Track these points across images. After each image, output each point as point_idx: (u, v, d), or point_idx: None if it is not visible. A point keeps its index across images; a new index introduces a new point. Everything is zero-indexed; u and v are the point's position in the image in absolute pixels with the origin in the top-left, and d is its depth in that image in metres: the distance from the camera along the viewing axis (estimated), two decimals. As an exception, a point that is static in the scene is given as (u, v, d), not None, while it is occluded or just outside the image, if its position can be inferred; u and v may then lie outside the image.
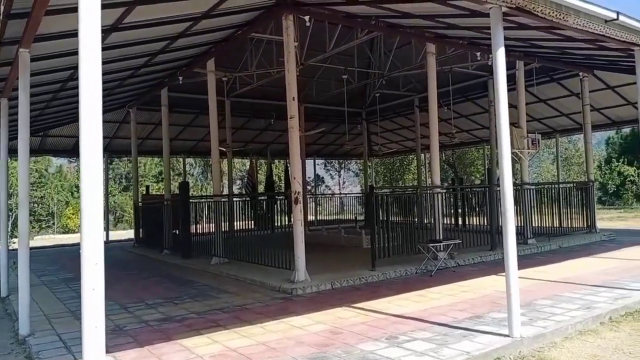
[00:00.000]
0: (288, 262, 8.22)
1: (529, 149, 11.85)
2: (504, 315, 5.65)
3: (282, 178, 22.65)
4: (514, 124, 12.08)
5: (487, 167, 16.34)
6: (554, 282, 7.70)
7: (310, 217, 22.26)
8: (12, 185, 28.84)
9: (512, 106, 17.67)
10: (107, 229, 19.29)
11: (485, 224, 11.42)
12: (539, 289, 7.24)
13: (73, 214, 30.09)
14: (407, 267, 8.91)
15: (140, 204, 15.70)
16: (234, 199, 11.37)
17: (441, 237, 9.63)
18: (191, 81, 13.76)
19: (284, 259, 8.34)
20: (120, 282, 9.24)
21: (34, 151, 17.88)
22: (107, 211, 19.52)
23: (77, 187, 32.66)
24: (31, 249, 16.79)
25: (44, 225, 30.82)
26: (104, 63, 7.86)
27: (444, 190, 12.21)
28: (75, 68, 8.17)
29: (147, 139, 18.54)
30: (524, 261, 9.97)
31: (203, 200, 11.97)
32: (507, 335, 4.90)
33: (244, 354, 4.66)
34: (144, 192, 16.34)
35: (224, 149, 14.38)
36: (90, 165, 3.01)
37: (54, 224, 31.88)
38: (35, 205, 30.74)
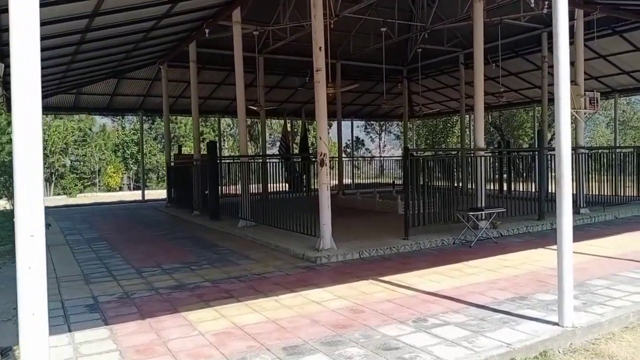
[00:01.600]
0: (314, 228, 7.65)
1: (586, 108, 10.68)
2: (553, 298, 4.93)
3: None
4: (571, 81, 10.90)
5: (537, 129, 15.09)
6: (611, 259, 6.83)
7: (347, 181, 21.65)
8: (52, 142, 29.44)
9: (571, 63, 16.27)
10: (143, 187, 19.33)
11: (533, 190, 10.50)
12: (593, 266, 6.40)
13: (114, 173, 30.59)
14: (443, 237, 8.20)
15: (172, 163, 15.45)
16: (262, 160, 10.82)
17: (483, 205, 8.81)
18: (223, 36, 13.13)
19: (311, 225, 7.76)
20: (144, 244, 8.96)
21: (68, 109, 17.85)
22: (144, 170, 19.44)
23: (120, 145, 33.10)
24: (69, 206, 17.06)
25: (86, 183, 31.49)
26: (119, 11, 7.25)
27: (489, 154, 11.28)
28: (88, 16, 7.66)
29: (181, 97, 18.16)
30: (576, 233, 8.95)
31: (231, 161, 11.44)
32: (557, 324, 4.18)
33: (249, 334, 4.15)
34: (177, 152, 16.04)
35: (255, 108, 13.79)
36: (24, 108, 2.38)
37: (98, 182, 32.57)
38: (78, 163, 31.38)
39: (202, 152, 13.79)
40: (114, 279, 6.30)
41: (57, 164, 29.52)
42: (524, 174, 13.88)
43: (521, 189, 11.29)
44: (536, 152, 10.01)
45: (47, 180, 28.89)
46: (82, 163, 31.87)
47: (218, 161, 11.15)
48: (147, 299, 5.38)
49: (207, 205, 11.67)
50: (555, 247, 7.82)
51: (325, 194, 7.22)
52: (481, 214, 8.31)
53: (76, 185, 29.65)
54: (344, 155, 32.59)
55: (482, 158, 9.07)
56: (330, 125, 36.74)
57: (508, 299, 5.01)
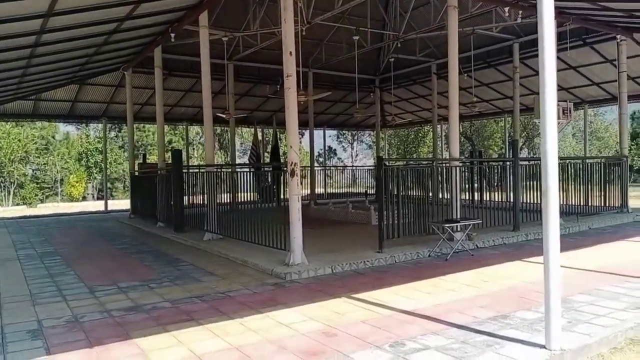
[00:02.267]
0: (284, 241, 7.23)
1: (559, 118, 10.59)
2: (536, 316, 4.66)
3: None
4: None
5: (508, 139, 15.05)
6: (591, 272, 6.62)
7: (320, 190, 21.30)
8: (11, 150, 28.18)
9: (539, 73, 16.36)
10: (105, 198, 18.55)
11: (506, 200, 10.33)
12: (574, 280, 6.16)
13: (77, 182, 29.50)
14: (419, 249, 7.89)
15: (136, 173, 14.81)
16: (227, 169, 10.33)
17: (458, 216, 8.56)
18: (190, 42, 12.68)
19: (280, 238, 7.34)
20: (101, 259, 8.37)
21: (27, 115, 17.00)
22: (106, 180, 18.65)
23: (84, 154, 32.01)
24: (26, 217, 16.17)
25: (48, 193, 30.28)
26: (77, 11, 6.73)
27: (463, 163, 11.11)
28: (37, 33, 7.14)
29: (147, 104, 17.54)
30: (551, 244, 8.90)
31: (197, 170, 10.91)
32: (544, 346, 3.88)
33: (209, 364, 3.71)
34: (141, 161, 15.40)
35: (224, 116, 13.32)
36: None
37: (60, 191, 31.37)
38: (39, 172, 30.17)
39: (168, 161, 13.25)
40: (63, 300, 5.75)
41: (16, 173, 28.28)
42: (498, 184, 13.76)
43: (494, 199, 11.11)
44: (511, 162, 9.83)
45: (5, 189, 27.70)
46: (43, 172, 30.66)
47: (183, 170, 10.60)
48: (97, 323, 4.86)
49: (172, 217, 11.12)
50: (533, 259, 7.68)
51: (296, 205, 6.82)
52: (457, 225, 8.05)
53: (36, 195, 28.47)
54: (316, 164, 32.32)
55: (457, 168, 8.83)
56: (302, 135, 36.49)
57: (490, 318, 4.70)
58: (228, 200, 9.95)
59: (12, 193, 28.21)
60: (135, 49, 12.24)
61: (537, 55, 13.72)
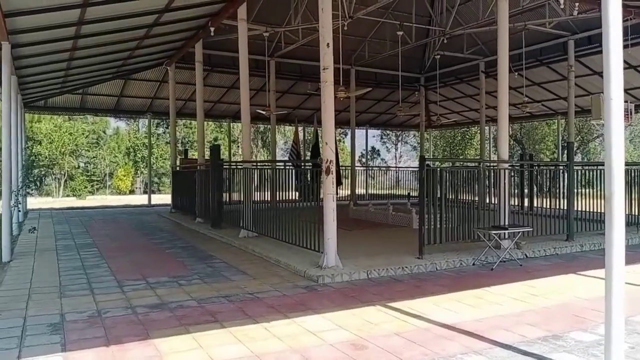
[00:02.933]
0: (319, 242, 6.91)
1: (619, 121, 9.80)
2: (593, 339, 4.16)
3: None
4: (600, 92, 10.09)
5: (565, 141, 14.18)
6: (654, 289, 5.98)
7: (361, 191, 20.90)
8: (62, 144, 29.13)
9: (596, 73, 15.39)
10: (149, 192, 18.81)
11: (559, 207, 9.65)
12: (634, 297, 5.56)
13: (125, 176, 30.22)
14: (462, 257, 7.40)
15: (178, 168, 14.87)
16: (263, 166, 10.08)
17: (507, 223, 8.00)
18: (231, 38, 12.56)
19: (315, 239, 7.02)
20: (136, 253, 8.31)
21: (75, 109, 17.42)
22: (151, 174, 18.91)
23: (131, 148, 32.77)
24: (73, 208, 16.55)
25: (97, 186, 31.18)
26: (116, 1, 6.63)
27: (512, 166, 10.49)
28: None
29: (190, 100, 17.63)
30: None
31: (234, 166, 10.75)
32: (604, 376, 3.39)
33: (226, 374, 3.43)
34: (183, 157, 15.46)
35: (264, 112, 13.15)
36: None
37: (108, 185, 32.27)
38: (88, 165, 31.12)
39: (208, 158, 13.20)
40: (91, 293, 5.64)
41: (66, 166, 29.25)
42: (549, 190, 12.99)
43: (545, 206, 10.39)
44: (565, 166, 9.16)
45: (56, 181, 28.70)
46: (92, 165, 31.60)
47: (221, 166, 10.47)
48: (120, 319, 4.69)
49: (210, 213, 11.02)
50: (588, 273, 7.04)
51: (331, 205, 6.49)
52: (505, 232, 7.50)
53: (86, 187, 29.35)
54: (358, 164, 31.87)
55: (506, 171, 8.27)
56: (345, 134, 36.07)
57: (540, 338, 4.22)
58: (267, 198, 9.73)
59: (62, 185, 29.20)
60: (177, 44, 12.24)
61: (594, 53, 12.98)
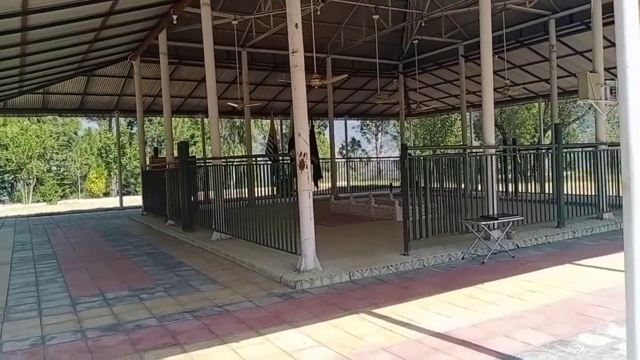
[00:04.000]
0: (295, 243, 6.32)
1: (607, 99, 9.40)
2: (604, 342, 3.68)
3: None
4: (589, 71, 9.66)
5: (546, 124, 13.78)
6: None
7: (342, 183, 20.37)
8: (29, 147, 27.94)
9: (578, 52, 15.02)
10: (120, 194, 18.00)
11: (543, 192, 9.23)
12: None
13: (97, 178, 29.20)
14: (450, 251, 6.89)
15: (148, 168, 14.12)
16: (234, 161, 9.40)
17: (496, 212, 7.51)
18: (199, 28, 11.85)
19: (292, 239, 6.42)
20: (98, 263, 7.62)
21: (36, 110, 16.50)
22: (121, 176, 18.09)
23: (103, 149, 31.71)
24: (41, 215, 15.67)
25: (68, 190, 30.09)
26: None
27: (500, 152, 10.03)
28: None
29: (160, 96, 16.78)
30: (601, 242, 7.81)
31: (203, 163, 10.06)
32: (627, 393, 2.87)
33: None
34: (152, 155, 14.70)
35: (236, 105, 12.48)
36: None
37: (80, 188, 31.16)
38: (59, 168, 30.00)
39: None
40: (38, 315, 4.98)
41: (35, 170, 28.10)
42: (534, 174, 12.59)
43: (530, 191, 9.93)
44: (554, 149, 8.70)
45: (24, 186, 27.54)
46: (63, 168, 30.48)
47: (189, 164, 9.78)
48: (65, 347, 4.05)
49: (181, 214, 10.34)
50: (584, 262, 6.56)
51: (307, 202, 5.91)
52: (495, 223, 7.01)
53: (56, 191, 28.26)
54: (339, 156, 31.30)
55: (493, 157, 7.77)
56: (325, 126, 35.44)
57: (545, 345, 3.71)
58: (243, 196, 9.05)
59: (31, 190, 28.07)
60: (139, 35, 11.48)
61: (575, 32, 12.30)
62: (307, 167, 5.92)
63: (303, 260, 5.91)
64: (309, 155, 5.93)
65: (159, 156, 14.20)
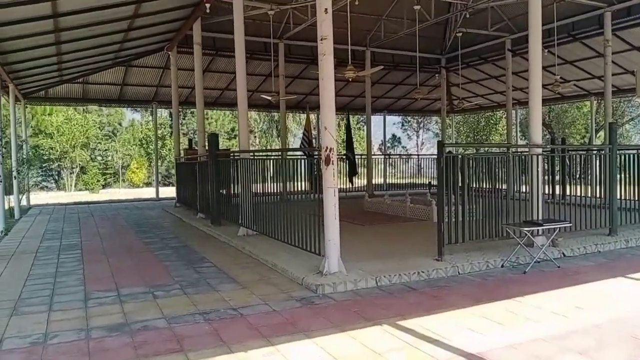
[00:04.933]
0: (319, 244, 5.94)
1: (669, 97, 8.57)
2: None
3: (344, 137, 20.13)
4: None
5: (598, 124, 12.83)
6: None
7: (379, 180, 19.86)
8: (72, 136, 28.61)
9: (635, 47, 13.97)
10: (157, 185, 18.10)
11: (594, 196, 8.46)
12: None
13: (137, 169, 29.68)
14: (488, 258, 6.35)
15: (183, 160, 14.05)
16: (261, 156, 9.01)
17: (541, 217, 6.90)
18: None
19: (314, 240, 6.04)
20: (120, 256, 7.47)
21: (77, 99, 16.71)
22: (157, 166, 18.19)
23: (144, 140, 32.23)
24: (78, 203, 15.90)
25: (109, 179, 30.73)
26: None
27: (547, 151, 9.34)
28: None
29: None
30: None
31: (232, 156, 9.76)
32: None
33: None
34: (187, 147, 14.62)
35: (270, 98, 12.19)
36: None
37: (121, 178, 31.77)
38: (101, 158, 30.67)
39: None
40: (47, 310, 4.80)
41: (78, 159, 28.80)
42: (583, 177, 11.73)
43: (579, 194, 9.17)
44: (608, 149, 7.97)
45: (67, 175, 28.27)
46: (105, 158, 31.16)
47: (218, 157, 9.55)
48: (65, 348, 3.82)
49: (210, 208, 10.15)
50: (638, 275, 5.95)
51: (332, 200, 5.51)
52: (539, 229, 6.42)
53: (98, 180, 28.89)
54: (378, 152, 30.69)
55: (539, 157, 7.15)
56: (364, 123, 34.95)
57: (595, 376, 3.19)
58: (275, 190, 8.67)
59: (74, 178, 28.82)
60: (173, 25, 11.36)
61: (633, 26, 11.40)
62: (333, 163, 5.51)
63: (326, 262, 5.53)
64: (335, 150, 5.53)
65: (193, 148, 14.09)
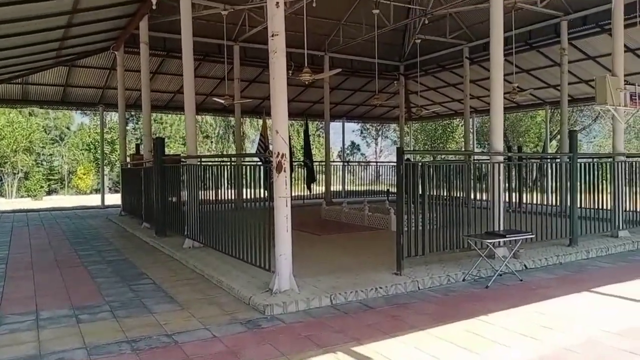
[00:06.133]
0: (269, 259, 5.42)
1: (626, 106, 8.54)
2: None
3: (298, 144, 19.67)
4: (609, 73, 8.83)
5: (564, 130, 12.80)
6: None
7: (337, 187, 19.50)
8: (14, 140, 26.94)
9: (590, 57, 14.16)
10: (102, 192, 17.12)
11: (553, 204, 8.28)
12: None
13: (84, 174, 28.27)
14: (449, 271, 6.00)
15: (129, 165, 13.22)
16: (209, 162, 8.35)
17: (502, 227, 6.63)
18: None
19: (264, 254, 5.52)
20: (49, 271, 6.71)
21: (16, 101, 15.57)
22: (103, 173, 17.20)
23: (92, 145, 30.84)
24: (15, 211, 14.76)
25: (54, 186, 29.13)
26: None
27: (508, 159, 9.16)
28: None
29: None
30: (619, 264, 6.95)
31: (178, 163, 9.11)
32: None
33: None
34: (134, 152, 13.80)
35: (222, 101, 11.61)
36: None
37: (67, 184, 30.19)
38: (46, 163, 29.07)
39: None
40: (-53, 340, 4.08)
41: (19, 164, 27.13)
42: (534, 185, 11.68)
43: (534, 202, 8.98)
44: (569, 158, 7.81)
45: (8, 181, 26.55)
46: (49, 163, 29.55)
47: (164, 162, 8.88)
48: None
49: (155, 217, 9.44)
50: (603, 290, 5.63)
51: (284, 211, 5.01)
52: (502, 240, 6.13)
53: (42, 187, 27.31)
54: (337, 160, 30.42)
55: (501, 165, 6.89)
56: (320, 129, 34.65)
57: (574, 413, 2.81)
58: (226, 199, 8.04)
59: (16, 185, 27.13)
60: (118, 22, 10.62)
61: (589, 35, 11.29)
62: (285, 170, 5.03)
63: (277, 279, 5.02)
64: (287, 156, 5.04)
65: (140, 153, 13.31)
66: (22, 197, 26.03)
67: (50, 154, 29.71)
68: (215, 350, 3.81)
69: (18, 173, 27.36)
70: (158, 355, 3.73)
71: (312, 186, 16.88)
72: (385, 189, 18.68)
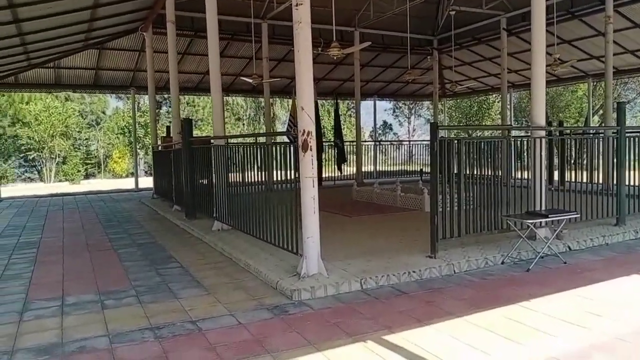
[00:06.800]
0: (296, 241, 5.22)
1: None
2: None
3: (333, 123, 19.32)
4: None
5: (609, 103, 12.08)
6: None
7: (369, 168, 19.18)
8: (51, 125, 27.57)
9: (637, 25, 13.29)
10: (136, 175, 17.31)
11: (596, 182, 7.77)
12: None
13: (120, 158, 28.76)
14: (487, 254, 5.68)
15: (159, 148, 13.25)
16: (235, 142, 8.16)
17: (544, 206, 6.23)
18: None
19: (291, 237, 5.32)
20: (79, 255, 6.71)
21: (49, 85, 15.77)
22: (137, 156, 17.36)
23: (127, 128, 31.28)
24: (53, 195, 15.07)
25: (91, 169, 29.77)
26: None
27: (550, 134, 8.65)
28: None
29: (180, 72, 15.88)
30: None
31: (202, 145, 8.96)
32: None
33: None
34: (165, 135, 13.81)
35: (250, 80, 11.40)
36: None
37: (103, 168, 30.82)
38: (81, 147, 29.70)
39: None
40: (-28, 325, 4.06)
41: (57, 149, 27.80)
42: (581, 162, 11.07)
43: (579, 180, 8.47)
44: (617, 132, 7.29)
45: (46, 165, 27.24)
46: (87, 147, 30.17)
47: (192, 144, 8.77)
48: (-26, 380, 3.10)
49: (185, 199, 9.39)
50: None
51: (310, 192, 4.79)
52: (544, 221, 5.75)
53: (79, 171, 27.94)
54: (369, 139, 29.95)
55: (543, 140, 6.45)
56: (352, 108, 34.22)
57: (631, 414, 2.52)
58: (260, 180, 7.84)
59: (54, 169, 27.84)
60: (145, 1, 10.48)
61: (636, 1, 10.37)
62: (311, 149, 4.78)
63: (304, 263, 4.82)
64: (314, 133, 4.79)
65: (170, 136, 13.28)
66: (60, 181, 26.73)
67: (87, 139, 30.32)
68: (239, 339, 3.65)
69: (56, 158, 28.08)
70: (181, 343, 3.59)
71: (342, 167, 16.62)
72: (419, 169, 18.26)
